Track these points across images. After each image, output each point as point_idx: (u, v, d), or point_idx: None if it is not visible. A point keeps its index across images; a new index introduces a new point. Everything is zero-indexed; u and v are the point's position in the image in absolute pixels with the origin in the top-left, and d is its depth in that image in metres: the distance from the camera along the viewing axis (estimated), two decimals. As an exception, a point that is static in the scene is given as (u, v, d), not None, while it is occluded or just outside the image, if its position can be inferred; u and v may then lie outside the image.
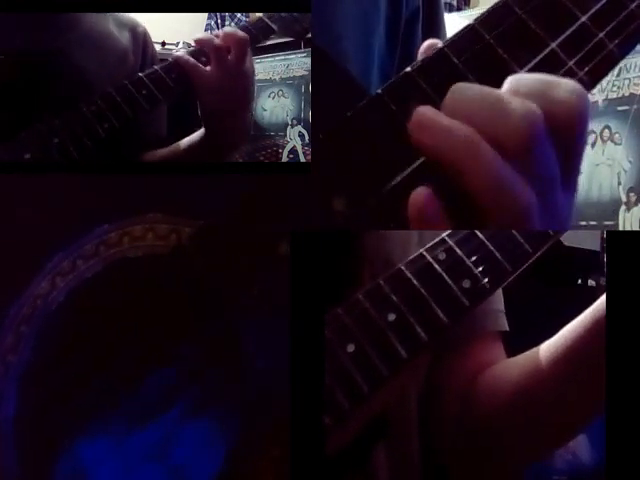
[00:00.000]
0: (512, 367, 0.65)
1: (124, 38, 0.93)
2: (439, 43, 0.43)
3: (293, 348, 0.46)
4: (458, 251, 0.47)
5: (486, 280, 0.47)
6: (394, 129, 0.42)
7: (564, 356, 0.58)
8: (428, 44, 0.44)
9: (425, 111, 0.39)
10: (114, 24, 0.92)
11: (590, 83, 0.42)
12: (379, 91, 0.43)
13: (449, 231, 0.48)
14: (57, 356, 0.50)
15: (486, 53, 0.43)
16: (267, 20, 0.99)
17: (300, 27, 0.98)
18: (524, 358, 0.63)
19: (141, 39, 0.95)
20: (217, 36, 0.87)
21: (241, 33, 0.87)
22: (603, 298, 0.54)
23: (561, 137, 0.39)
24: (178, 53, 0.91)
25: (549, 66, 0.42)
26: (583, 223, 1.60)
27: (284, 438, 0.46)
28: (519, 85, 0.40)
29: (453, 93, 0.39)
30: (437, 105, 0.41)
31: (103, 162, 0.81)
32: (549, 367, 0.59)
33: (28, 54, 0.80)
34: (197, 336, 0.49)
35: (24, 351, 0.50)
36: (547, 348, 0.60)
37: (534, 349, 0.62)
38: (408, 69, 0.43)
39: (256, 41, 0.94)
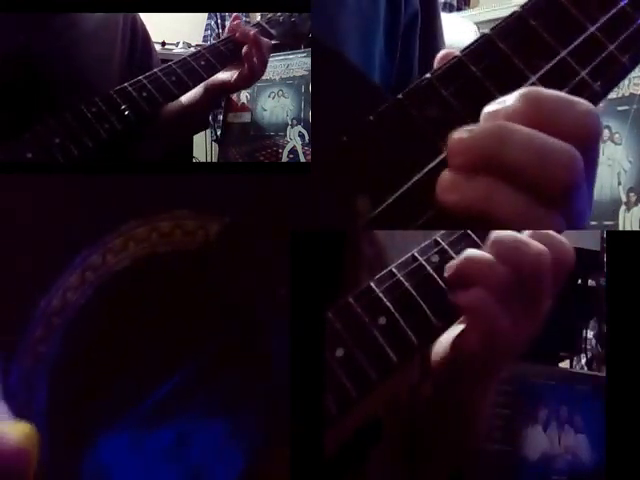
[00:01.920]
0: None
1: (114, 25, 0.92)
2: (455, 52, 0.45)
3: (293, 348, 0.46)
4: (451, 252, 0.47)
5: None
6: (414, 133, 0.43)
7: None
8: (444, 54, 0.46)
9: (444, 174, 0.41)
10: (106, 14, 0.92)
11: (602, 93, 0.44)
12: (400, 96, 0.44)
13: (442, 232, 0.48)
14: (85, 350, 0.49)
15: (502, 62, 0.44)
16: (265, 25, 1.00)
17: (299, 32, 0.98)
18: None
19: (129, 22, 0.95)
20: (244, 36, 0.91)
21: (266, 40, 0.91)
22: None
23: (584, 153, 0.41)
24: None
25: (563, 76, 0.44)
26: (583, 223, 1.60)
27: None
28: (539, 103, 0.41)
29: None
30: (454, 111, 0.43)
31: (104, 162, 0.82)
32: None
33: (29, 54, 0.80)
34: (217, 334, 0.49)
35: (54, 343, 0.49)
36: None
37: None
38: (428, 75, 0.44)
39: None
